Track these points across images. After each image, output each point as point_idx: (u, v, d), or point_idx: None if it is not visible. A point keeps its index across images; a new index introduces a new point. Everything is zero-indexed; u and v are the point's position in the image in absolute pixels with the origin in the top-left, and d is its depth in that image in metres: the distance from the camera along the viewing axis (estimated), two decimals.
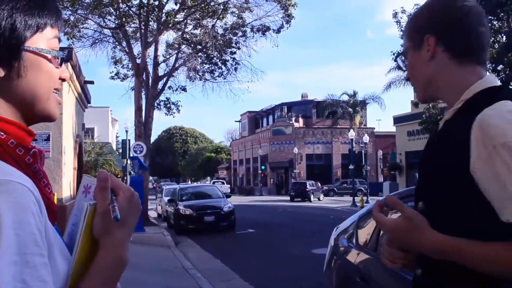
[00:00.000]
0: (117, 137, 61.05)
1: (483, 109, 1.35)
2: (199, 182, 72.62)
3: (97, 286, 0.97)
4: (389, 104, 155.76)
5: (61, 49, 1.10)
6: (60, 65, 1.07)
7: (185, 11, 22.36)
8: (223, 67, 25.28)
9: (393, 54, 24.55)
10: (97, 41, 23.70)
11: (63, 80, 1.09)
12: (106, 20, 22.52)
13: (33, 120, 1.04)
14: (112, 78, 25.63)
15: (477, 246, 1.33)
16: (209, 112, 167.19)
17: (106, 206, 0.99)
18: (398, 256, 1.52)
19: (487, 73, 1.51)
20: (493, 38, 22.40)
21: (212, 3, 22.64)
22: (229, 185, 63.63)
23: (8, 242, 0.80)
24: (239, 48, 24.74)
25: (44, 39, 1.03)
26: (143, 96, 22.60)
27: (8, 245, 0.80)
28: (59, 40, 1.08)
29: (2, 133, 0.94)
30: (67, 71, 1.11)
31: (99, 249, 1.00)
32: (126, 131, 26.22)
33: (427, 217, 1.42)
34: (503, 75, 21.93)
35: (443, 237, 1.37)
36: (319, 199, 42.68)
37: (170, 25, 22.09)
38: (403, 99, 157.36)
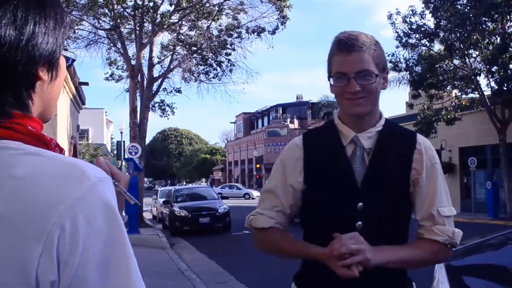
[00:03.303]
0: (111, 138, 61.01)
1: (411, 135, 2.02)
2: (194, 184, 72.58)
3: None
4: (384, 105, 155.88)
5: None
6: (69, 67, 1.15)
7: (180, 12, 22.34)
8: (218, 69, 25.26)
9: (388, 55, 24.60)
10: (92, 42, 23.66)
11: None
12: (101, 21, 22.46)
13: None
14: (106, 79, 25.59)
15: (405, 251, 1.90)
16: (204, 114, 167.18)
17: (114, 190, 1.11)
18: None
19: None
20: (487, 40, 22.49)
21: (207, 5, 22.63)
22: None
23: (125, 230, 0.91)
24: (234, 50, 24.74)
25: None
26: (138, 98, 22.56)
27: (125, 232, 0.92)
28: None
29: (46, 135, 0.99)
30: None
31: None
32: (121, 133, 26.22)
33: (365, 217, 1.87)
34: (497, 76, 22.01)
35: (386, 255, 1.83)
36: None
37: (165, 27, 22.05)
38: (397, 100, 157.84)
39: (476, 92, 23.56)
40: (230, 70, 25.18)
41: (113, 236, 0.88)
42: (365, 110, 1.90)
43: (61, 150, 1.01)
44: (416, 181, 1.92)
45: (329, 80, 1.94)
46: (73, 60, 1.14)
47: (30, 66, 0.96)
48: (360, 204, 1.89)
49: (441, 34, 23.31)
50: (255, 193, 51.21)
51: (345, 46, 1.86)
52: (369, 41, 1.88)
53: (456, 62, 23.68)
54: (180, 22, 23.16)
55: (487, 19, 21.93)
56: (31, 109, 0.98)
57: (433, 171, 1.93)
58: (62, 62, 1.07)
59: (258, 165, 60.60)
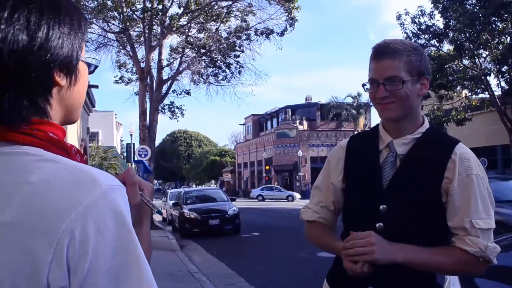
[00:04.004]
0: (121, 141, 61.15)
1: (450, 144, 1.95)
2: (203, 186, 72.69)
3: None
4: None
5: None
6: (91, 73, 1.14)
7: (188, 15, 22.40)
8: (227, 71, 25.30)
9: None
10: (101, 45, 23.78)
11: None
12: (110, 24, 22.58)
13: (65, 124, 1.08)
14: (116, 82, 25.70)
15: (427, 254, 1.86)
16: (213, 116, 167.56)
17: (138, 200, 1.14)
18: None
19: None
20: (497, 39, 22.37)
21: (215, 7, 22.68)
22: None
23: (136, 239, 0.92)
24: (243, 51, 24.76)
25: (82, 47, 1.08)
26: (148, 100, 22.63)
27: (137, 241, 0.92)
28: None
29: (66, 141, 1.00)
30: None
31: None
32: (131, 135, 26.28)
33: (387, 219, 1.92)
34: (508, 76, 21.89)
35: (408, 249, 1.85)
36: None
37: (174, 29, 22.12)
38: None
39: (486, 92, 23.45)
40: (239, 72, 25.22)
41: (124, 244, 0.89)
42: (394, 115, 1.96)
43: (82, 157, 1.03)
44: (447, 190, 1.91)
45: (363, 86, 2.03)
46: (96, 66, 1.14)
47: (44, 71, 0.96)
48: (383, 206, 1.95)
49: (451, 34, 23.22)
50: (298, 195, 50.81)
51: (377, 53, 1.96)
52: (403, 47, 1.93)
53: (465, 62, 23.58)
54: (189, 24, 23.21)
55: (496, 19, 21.83)
56: (49, 115, 0.99)
57: (468, 182, 1.89)
58: (82, 67, 1.07)
59: (267, 167, 60.57)
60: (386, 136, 2.04)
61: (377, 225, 1.92)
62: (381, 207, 1.95)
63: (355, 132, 38.45)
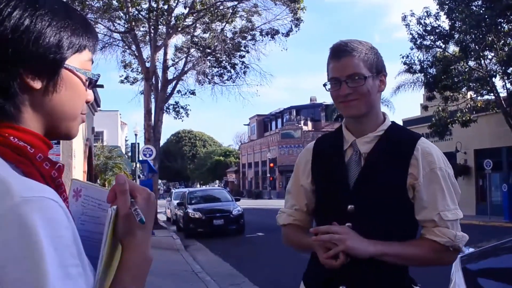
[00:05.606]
0: (126, 140, 61.24)
1: (412, 140, 1.99)
2: (207, 186, 72.74)
3: (128, 284, 1.02)
4: (398, 107, 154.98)
5: None
6: (90, 87, 1.09)
7: (194, 15, 22.44)
8: (232, 71, 25.32)
9: (403, 57, 24.52)
10: (106, 45, 23.84)
11: (87, 102, 1.10)
12: (115, 24, 22.62)
13: (53, 136, 1.05)
14: (121, 82, 25.74)
15: (399, 247, 1.91)
16: (218, 116, 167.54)
17: (128, 209, 1.03)
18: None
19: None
20: (503, 41, 22.29)
21: (221, 7, 22.70)
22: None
23: (51, 257, 0.84)
24: (248, 52, 24.79)
25: (80, 60, 1.04)
26: (153, 100, 22.67)
27: (51, 260, 0.84)
28: (92, 63, 1.10)
29: (30, 147, 0.96)
30: (92, 94, 1.11)
31: (123, 250, 1.04)
32: (136, 135, 26.31)
33: (355, 219, 1.94)
34: None
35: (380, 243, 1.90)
36: None
37: (179, 29, 22.16)
38: (412, 102, 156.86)
39: (492, 94, 23.36)
40: (244, 72, 25.24)
41: (35, 263, 0.83)
42: (358, 112, 1.99)
43: (53, 164, 0.99)
44: (413, 186, 1.95)
45: (324, 86, 2.06)
46: (96, 81, 1.08)
47: (5, 65, 0.93)
48: (351, 206, 1.97)
49: (456, 36, 23.14)
50: None
51: (336, 53, 2.00)
52: (361, 46, 1.98)
53: (471, 63, 23.48)
54: (194, 24, 23.25)
55: (502, 20, 21.74)
56: (18, 119, 0.96)
57: (432, 176, 1.94)
58: (70, 77, 1.02)
59: (272, 165, 60.50)
60: (349, 136, 2.07)
61: (346, 225, 1.95)
62: (349, 207, 1.98)
63: None
